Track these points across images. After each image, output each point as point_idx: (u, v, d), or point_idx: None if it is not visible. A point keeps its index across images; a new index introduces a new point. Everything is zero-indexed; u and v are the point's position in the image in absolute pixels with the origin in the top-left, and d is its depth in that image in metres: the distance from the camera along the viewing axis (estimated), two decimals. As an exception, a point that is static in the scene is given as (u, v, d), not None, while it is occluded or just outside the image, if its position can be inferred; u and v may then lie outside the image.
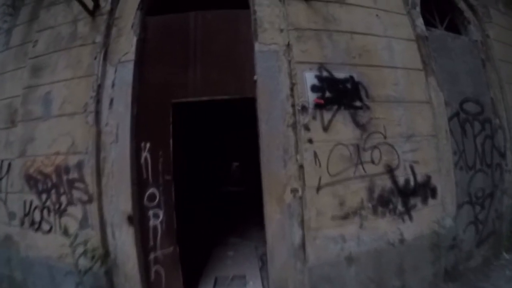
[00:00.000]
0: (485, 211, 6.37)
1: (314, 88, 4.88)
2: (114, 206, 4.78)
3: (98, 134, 4.88)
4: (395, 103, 5.42)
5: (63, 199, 4.97)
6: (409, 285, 5.15)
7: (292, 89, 4.85)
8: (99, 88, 4.99)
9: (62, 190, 4.99)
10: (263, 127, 4.68)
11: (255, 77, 4.86)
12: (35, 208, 5.16)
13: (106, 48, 5.18)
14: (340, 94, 5.05)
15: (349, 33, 5.39)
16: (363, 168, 5.01)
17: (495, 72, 6.79)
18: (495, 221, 6.55)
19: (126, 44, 5.13)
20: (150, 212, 4.80)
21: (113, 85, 4.99)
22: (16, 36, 6.20)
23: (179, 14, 5.30)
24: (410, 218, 5.31)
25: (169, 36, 5.21)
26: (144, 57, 5.05)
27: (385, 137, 5.21)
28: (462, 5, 6.89)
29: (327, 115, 4.89)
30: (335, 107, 4.96)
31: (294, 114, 4.78)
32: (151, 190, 4.79)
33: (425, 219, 5.43)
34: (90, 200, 4.82)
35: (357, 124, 5.06)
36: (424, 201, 5.50)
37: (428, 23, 6.48)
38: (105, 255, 4.74)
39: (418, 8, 6.29)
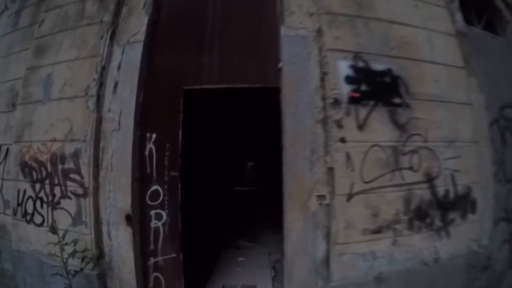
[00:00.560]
0: None
1: (348, 80, 3.62)
2: (111, 203, 3.61)
3: (99, 120, 3.71)
4: (437, 103, 4.13)
5: (57, 190, 3.83)
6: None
7: (322, 80, 3.60)
8: (103, 70, 3.83)
9: (56, 181, 3.85)
10: (288, 122, 3.45)
11: (280, 65, 3.63)
12: (28, 198, 4.03)
13: (115, 28, 4.01)
14: (378, 88, 3.79)
15: (387, 21, 4.12)
16: (401, 175, 3.73)
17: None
18: None
19: (137, 24, 3.95)
20: (152, 212, 3.60)
21: (119, 67, 3.81)
22: (25, 17, 5.08)
23: (196, -6, 4.08)
24: (448, 234, 4.04)
25: (185, 17, 4.01)
26: (156, 39, 3.87)
27: (425, 141, 3.93)
28: (500, 4, 5.55)
29: (362, 111, 3.63)
30: (372, 102, 3.70)
31: (324, 108, 3.53)
32: (155, 187, 3.59)
33: (463, 236, 4.18)
34: (85, 194, 3.67)
35: (396, 123, 3.78)
36: (463, 216, 4.22)
37: (465, 21, 5.16)
38: (99, 257, 3.60)
39: (456, 2, 4.97)
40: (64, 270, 3.50)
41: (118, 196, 3.59)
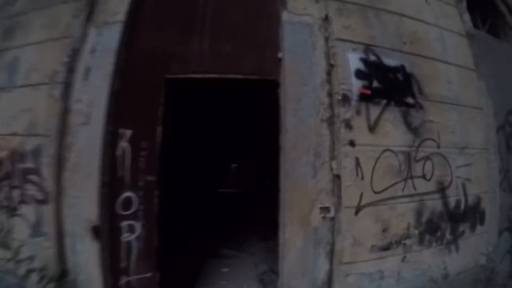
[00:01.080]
0: None
1: (359, 74, 2.75)
2: (76, 211, 2.65)
3: (65, 112, 2.74)
4: (449, 105, 3.29)
5: (16, 194, 2.85)
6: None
7: (329, 73, 2.71)
8: (75, 53, 2.86)
9: (15, 183, 2.84)
10: (289, 121, 2.54)
11: (280, 54, 2.72)
12: (-15, 201, 3.00)
13: (92, 6, 3.04)
14: (390, 85, 2.92)
15: (399, 15, 3.25)
16: (413, 185, 2.87)
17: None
18: None
19: (117, 3, 2.99)
20: (124, 224, 2.66)
21: (92, 51, 2.85)
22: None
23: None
24: (457, 248, 3.23)
25: (174, -3, 3.04)
26: (138, 19, 2.93)
27: (438, 146, 3.09)
28: (504, 8, 4.73)
29: (374, 111, 2.75)
30: (384, 101, 2.83)
31: (331, 106, 2.64)
32: (127, 194, 2.65)
33: (472, 249, 3.38)
34: (46, 200, 2.70)
35: (409, 126, 2.92)
36: (473, 227, 3.39)
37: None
38: (61, 275, 2.65)
39: (464, 3, 4.14)
40: (20, 288, 2.54)
41: (83, 203, 2.64)
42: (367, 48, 2.89)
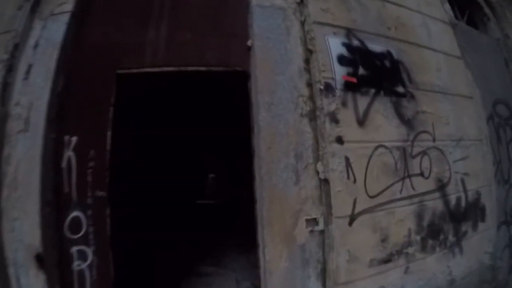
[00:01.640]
0: None
1: (342, 60, 2.04)
2: (17, 236, 1.87)
3: (3, 118, 1.98)
4: (441, 95, 2.59)
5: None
6: None
7: (307, 61, 1.99)
8: (16, 49, 2.12)
9: None
10: (262, 117, 1.81)
11: (250, 42, 2.00)
12: None
13: (39, -3, 2.29)
14: (378, 73, 2.22)
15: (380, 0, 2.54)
16: (411, 184, 2.15)
17: (519, 73, 3.97)
18: None
19: (67, -6, 2.25)
20: (74, 249, 1.91)
21: (35, 46, 2.11)
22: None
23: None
24: (461, 250, 2.53)
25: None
26: (89, 9, 2.19)
27: (434, 140, 2.38)
28: (481, 1, 4.09)
29: (362, 102, 2.04)
30: (373, 90, 2.12)
31: (311, 97, 1.92)
32: (75, 213, 1.91)
33: (475, 249, 2.68)
34: (-20, 226, 1.90)
35: (402, 118, 2.21)
36: (474, 226, 2.69)
37: (448, 15, 3.68)
38: (2, 315, 1.82)
39: None
40: None
41: (24, 226, 1.88)
42: (349, 32, 2.19)
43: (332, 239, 1.84)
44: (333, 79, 1.95)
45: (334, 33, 2.15)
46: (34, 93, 1.99)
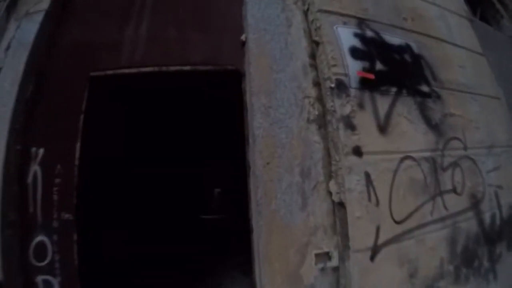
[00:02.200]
0: None
1: (355, 53, 1.43)
2: None
3: None
4: (468, 95, 1.94)
5: None
6: None
7: (313, 55, 1.39)
8: None
9: None
10: (259, 124, 1.22)
11: (244, 36, 1.41)
12: None
13: (16, -3, 1.81)
14: (398, 68, 1.58)
15: None
16: (444, 203, 1.48)
17: (538, 73, 3.24)
18: None
19: (45, -7, 1.75)
20: (39, 279, 1.35)
21: (7, 48, 1.61)
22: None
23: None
24: (495, 276, 1.82)
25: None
26: (66, 7, 1.68)
27: (465, 148, 1.71)
28: (492, -1, 3.41)
29: (382, 103, 1.41)
30: (394, 89, 1.49)
31: (320, 98, 1.32)
32: (40, 237, 1.35)
33: (508, 272, 1.86)
34: None
35: (429, 122, 1.57)
36: (509, 246, 1.97)
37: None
38: None
39: None
40: None
41: None
42: (361, 22, 1.60)
43: (349, 278, 1.23)
44: (346, 75, 1.36)
45: (344, 23, 1.56)
46: (0, 99, 1.49)
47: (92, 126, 1.52)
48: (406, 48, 1.74)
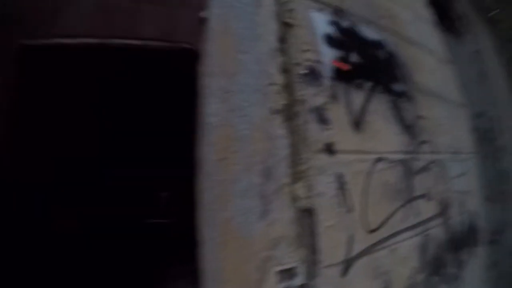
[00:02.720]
0: (503, 248, 2.92)
1: (331, 41, 1.29)
2: None
3: None
4: (437, 99, 1.94)
5: None
6: None
7: (283, 40, 1.21)
8: None
9: None
10: (214, 110, 1.00)
11: (205, 13, 1.19)
12: None
13: None
14: (374, 63, 1.48)
15: None
16: (415, 209, 1.39)
17: (493, 87, 3.54)
18: (507, 258, 3.10)
19: None
20: None
21: None
22: None
23: None
24: (463, 282, 1.79)
25: None
26: None
27: (435, 151, 1.66)
28: (453, 14, 3.66)
29: (357, 97, 1.28)
30: (369, 84, 1.38)
31: (288, 87, 1.14)
32: None
33: (473, 278, 1.92)
34: None
35: (402, 123, 1.48)
36: (472, 251, 2.02)
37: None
38: None
39: None
40: None
41: None
42: (338, 12, 1.48)
43: (317, 299, 1.04)
44: (319, 62, 1.21)
45: (320, 9, 1.42)
46: None
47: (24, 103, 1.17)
48: (382, 44, 1.66)
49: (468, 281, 1.94)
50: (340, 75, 1.27)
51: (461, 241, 1.96)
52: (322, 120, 1.12)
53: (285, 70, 1.21)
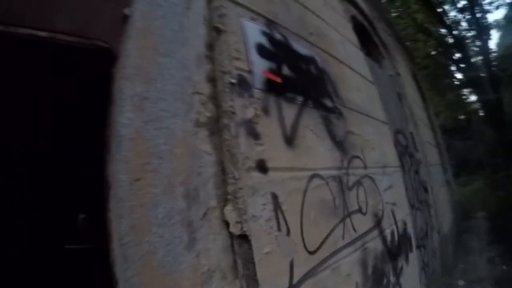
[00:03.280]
0: (427, 251, 3.45)
1: (262, 51, 1.35)
2: None
3: None
4: (364, 116, 2.25)
5: None
6: None
7: (211, 47, 1.20)
8: None
9: None
10: (127, 121, 0.88)
11: (128, 10, 1.09)
12: None
13: None
14: (305, 77, 1.62)
15: (301, 4, 2.12)
16: (352, 225, 1.50)
17: (409, 108, 4.33)
18: (432, 259, 3.69)
19: None
20: None
21: None
22: None
23: None
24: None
25: None
26: None
27: (365, 167, 1.89)
28: (377, 40, 4.41)
29: (288, 111, 1.36)
30: (300, 98, 1.48)
31: (214, 97, 1.11)
32: None
33: (410, 283, 2.17)
34: None
35: (333, 138, 1.64)
36: (407, 258, 2.36)
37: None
38: None
39: (350, 24, 3.45)
40: None
41: None
42: (270, 23, 1.58)
43: None
44: (250, 72, 1.23)
45: (252, 18, 1.48)
46: None
47: None
48: (312, 60, 1.82)
49: (405, 287, 2.15)
50: (272, 88, 1.31)
51: (396, 250, 2.19)
52: (253, 134, 1.11)
53: (213, 79, 1.19)
